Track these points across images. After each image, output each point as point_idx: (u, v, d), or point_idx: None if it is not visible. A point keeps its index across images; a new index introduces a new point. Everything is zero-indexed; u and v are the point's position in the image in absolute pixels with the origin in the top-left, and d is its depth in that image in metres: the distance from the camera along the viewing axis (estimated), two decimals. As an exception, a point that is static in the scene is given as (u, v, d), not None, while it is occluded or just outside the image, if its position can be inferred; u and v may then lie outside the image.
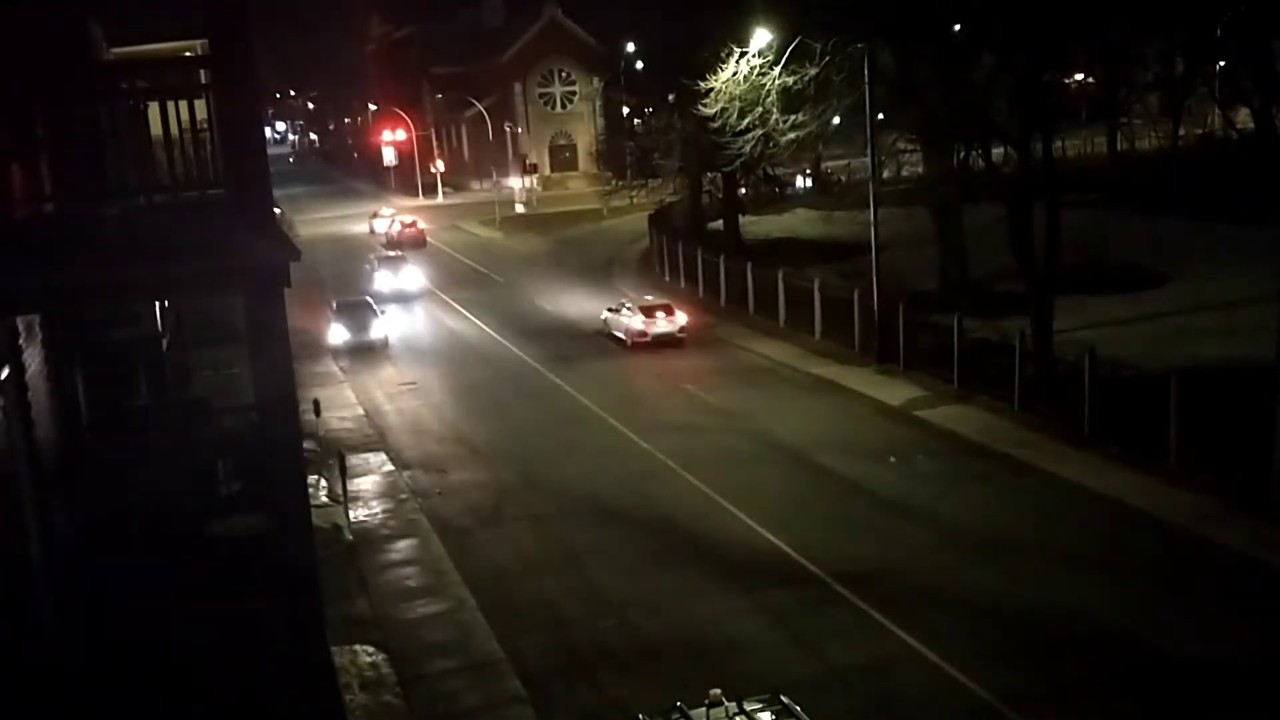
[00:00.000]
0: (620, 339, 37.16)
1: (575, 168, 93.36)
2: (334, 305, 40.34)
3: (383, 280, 48.07)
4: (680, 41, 42.46)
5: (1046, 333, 26.65)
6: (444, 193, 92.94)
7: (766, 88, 31.82)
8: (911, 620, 17.44)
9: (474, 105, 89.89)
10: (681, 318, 36.84)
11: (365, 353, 38.04)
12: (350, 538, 22.43)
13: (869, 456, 24.98)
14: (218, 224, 9.67)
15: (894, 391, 29.41)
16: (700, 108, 34.93)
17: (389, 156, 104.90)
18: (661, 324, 36.46)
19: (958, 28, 31.06)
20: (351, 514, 23.61)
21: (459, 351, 38.05)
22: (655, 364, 34.08)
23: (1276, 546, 19.00)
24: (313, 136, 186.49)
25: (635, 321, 36.51)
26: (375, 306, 40.11)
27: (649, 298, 39.62)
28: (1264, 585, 18.05)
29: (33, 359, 11.08)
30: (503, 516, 23.37)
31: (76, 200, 9.82)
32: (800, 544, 20.54)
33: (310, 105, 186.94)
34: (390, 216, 67.45)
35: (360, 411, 31.47)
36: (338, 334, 37.81)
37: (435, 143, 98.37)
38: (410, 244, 62.00)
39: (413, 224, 64.53)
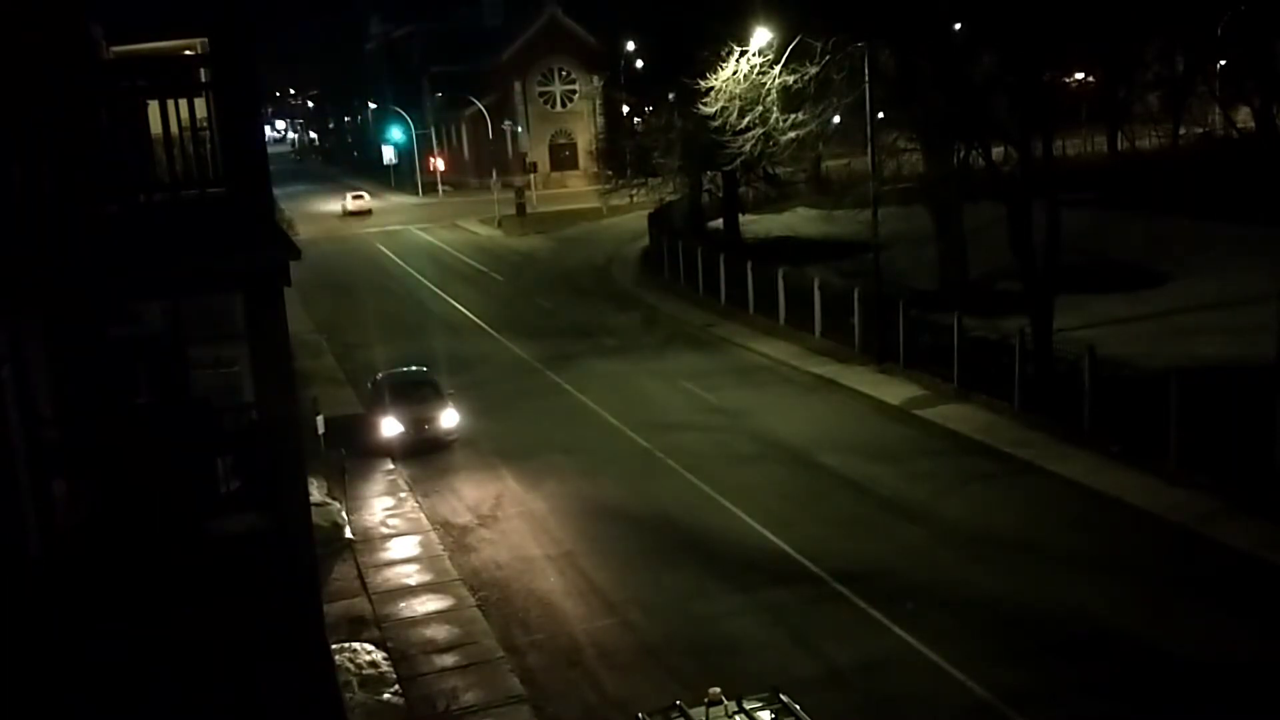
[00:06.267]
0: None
1: (575, 166, 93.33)
2: (377, 382, 29.71)
3: None
4: (680, 40, 42.45)
5: (1046, 331, 26.64)
6: (444, 191, 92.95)
7: (767, 86, 31.82)
8: (910, 619, 17.46)
9: (473, 104, 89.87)
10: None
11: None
12: (350, 535, 22.46)
13: (869, 455, 24.99)
14: (218, 223, 9.67)
15: (894, 390, 29.41)
16: (700, 106, 34.92)
17: (389, 155, 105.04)
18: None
19: (958, 27, 31.06)
20: (349, 512, 23.64)
21: (459, 352, 37.98)
22: (655, 364, 34.10)
23: (1277, 546, 19.02)
24: (313, 135, 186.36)
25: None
26: (437, 382, 29.45)
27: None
28: (1264, 585, 18.05)
29: (33, 358, 11.08)
30: (502, 514, 23.40)
31: (76, 200, 9.81)
32: (800, 542, 20.57)
33: (310, 104, 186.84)
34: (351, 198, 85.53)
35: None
36: (390, 427, 27.88)
37: (435, 141, 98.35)
38: (362, 215, 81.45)
39: (360, 196, 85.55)
